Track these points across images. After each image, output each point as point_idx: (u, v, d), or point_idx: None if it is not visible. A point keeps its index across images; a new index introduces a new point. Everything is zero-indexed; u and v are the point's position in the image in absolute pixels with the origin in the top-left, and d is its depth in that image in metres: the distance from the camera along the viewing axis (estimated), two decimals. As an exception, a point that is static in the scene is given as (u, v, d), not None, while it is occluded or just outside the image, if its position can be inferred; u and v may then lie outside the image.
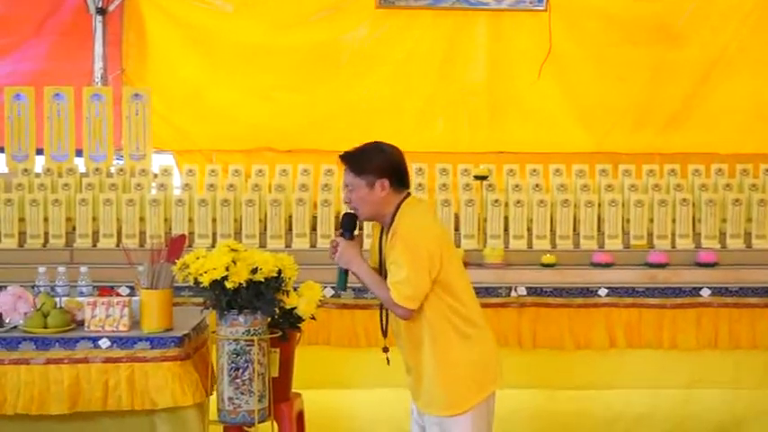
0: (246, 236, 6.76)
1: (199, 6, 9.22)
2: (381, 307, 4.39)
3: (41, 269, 5.37)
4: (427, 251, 4.12)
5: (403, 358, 4.36)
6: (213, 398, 4.78)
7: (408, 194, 4.31)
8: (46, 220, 6.86)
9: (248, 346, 4.52)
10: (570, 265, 6.60)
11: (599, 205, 6.87)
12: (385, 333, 4.41)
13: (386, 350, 4.45)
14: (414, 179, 7.04)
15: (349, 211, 4.34)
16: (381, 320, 4.41)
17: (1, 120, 7.69)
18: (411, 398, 4.41)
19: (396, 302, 4.11)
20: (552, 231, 6.83)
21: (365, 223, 5.19)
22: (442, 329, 4.20)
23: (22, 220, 6.86)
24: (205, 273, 4.42)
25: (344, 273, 4.33)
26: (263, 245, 6.72)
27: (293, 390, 5.07)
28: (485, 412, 4.29)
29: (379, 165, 4.24)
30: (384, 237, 4.30)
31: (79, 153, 7.70)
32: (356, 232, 4.35)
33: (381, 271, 4.28)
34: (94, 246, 6.82)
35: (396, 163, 4.29)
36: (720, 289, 6.28)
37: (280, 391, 4.82)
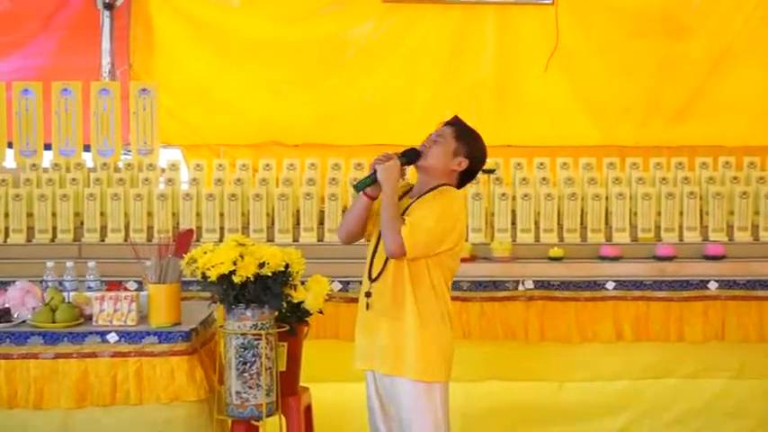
0: (254, 230, 6.77)
1: (206, 1, 9.24)
2: (373, 254, 4.50)
3: (49, 264, 5.39)
4: (456, 222, 4.37)
5: (374, 317, 4.45)
6: (221, 392, 4.79)
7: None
8: (54, 214, 6.86)
9: (256, 340, 4.53)
10: (577, 258, 6.59)
11: (606, 198, 6.85)
12: (372, 278, 4.48)
13: (368, 295, 4.49)
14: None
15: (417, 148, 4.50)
16: (369, 266, 4.50)
17: (9, 115, 7.69)
18: (367, 367, 4.54)
19: (402, 237, 4.24)
20: (559, 225, 6.81)
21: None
22: (430, 300, 4.36)
23: (30, 215, 6.87)
24: (213, 267, 4.43)
25: (372, 181, 4.41)
26: (270, 239, 6.73)
27: (301, 384, 5.08)
28: (446, 395, 4.44)
29: (475, 149, 4.51)
30: (406, 198, 4.48)
31: (87, 148, 7.71)
32: (406, 169, 4.49)
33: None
34: (102, 240, 6.83)
35: (479, 165, 4.57)
36: (728, 282, 6.28)
37: (287, 385, 4.83)
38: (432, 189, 4.43)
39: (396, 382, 4.40)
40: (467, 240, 6.65)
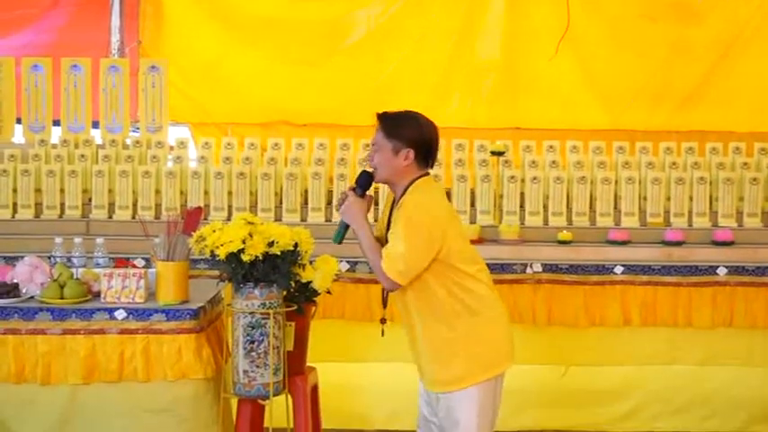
0: (262, 209, 6.76)
1: (215, -21, 9.24)
2: None
3: (58, 240, 5.39)
4: (429, 230, 4.12)
5: (406, 333, 4.38)
6: (228, 370, 4.79)
7: (427, 174, 4.32)
8: (62, 191, 6.87)
9: (264, 319, 4.52)
10: (586, 242, 6.59)
11: (616, 182, 6.84)
12: (385, 303, 4.44)
13: (383, 321, 4.50)
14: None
15: (368, 169, 4.37)
16: (383, 290, 4.41)
17: (18, 91, 7.69)
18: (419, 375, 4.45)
19: (385, 273, 4.12)
20: (568, 208, 6.80)
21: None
22: (448, 306, 4.20)
23: (38, 190, 6.88)
24: (222, 245, 4.42)
25: (345, 227, 4.35)
26: (278, 218, 6.73)
27: (308, 363, 5.08)
28: (491, 391, 4.27)
29: (410, 134, 4.25)
30: (394, 209, 4.30)
31: (96, 125, 7.71)
32: (369, 193, 4.38)
33: (385, 242, 4.27)
34: (110, 217, 6.83)
35: (428, 139, 4.29)
36: (737, 268, 6.25)
37: (294, 365, 4.82)
38: (403, 194, 4.24)
39: (434, 394, 4.33)
40: (474, 222, 6.65)
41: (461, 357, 4.19)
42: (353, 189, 4.34)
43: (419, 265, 4.13)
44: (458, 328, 4.19)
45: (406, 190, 4.24)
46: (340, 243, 4.41)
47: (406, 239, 4.09)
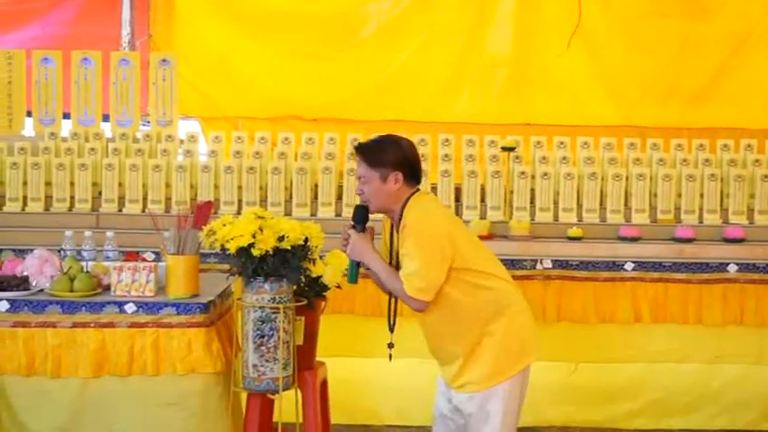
0: (272, 203, 6.75)
1: (226, -28, 9.23)
2: (389, 302, 4.45)
3: (68, 233, 5.39)
4: (437, 242, 4.13)
5: (429, 344, 4.37)
6: (237, 364, 4.79)
7: (418, 190, 4.33)
8: (72, 184, 6.87)
9: (274, 313, 4.51)
10: (597, 238, 6.56)
11: (626, 179, 6.81)
12: (392, 328, 4.47)
13: (391, 346, 4.49)
14: (440, 150, 7.03)
15: (360, 203, 4.38)
16: (389, 316, 4.46)
17: (29, 83, 7.69)
18: (440, 371, 4.43)
19: (408, 295, 4.12)
20: (579, 204, 6.78)
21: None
22: (473, 309, 4.19)
23: (48, 183, 6.87)
24: (232, 239, 4.42)
25: (356, 265, 4.36)
26: (288, 213, 6.72)
27: (317, 358, 5.07)
28: (519, 383, 4.29)
29: (393, 158, 4.27)
30: (394, 232, 4.33)
31: (106, 118, 7.70)
32: (368, 224, 4.37)
33: (392, 265, 4.30)
34: (120, 211, 6.83)
35: (410, 157, 4.32)
36: (747, 265, 6.24)
37: (304, 360, 4.82)
38: (400, 215, 4.24)
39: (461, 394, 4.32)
40: (484, 218, 6.64)
41: (492, 356, 4.20)
42: (353, 227, 4.34)
43: (438, 277, 4.13)
44: (485, 327, 4.20)
45: (402, 211, 4.25)
46: (356, 282, 4.42)
47: (418, 257, 4.10)
